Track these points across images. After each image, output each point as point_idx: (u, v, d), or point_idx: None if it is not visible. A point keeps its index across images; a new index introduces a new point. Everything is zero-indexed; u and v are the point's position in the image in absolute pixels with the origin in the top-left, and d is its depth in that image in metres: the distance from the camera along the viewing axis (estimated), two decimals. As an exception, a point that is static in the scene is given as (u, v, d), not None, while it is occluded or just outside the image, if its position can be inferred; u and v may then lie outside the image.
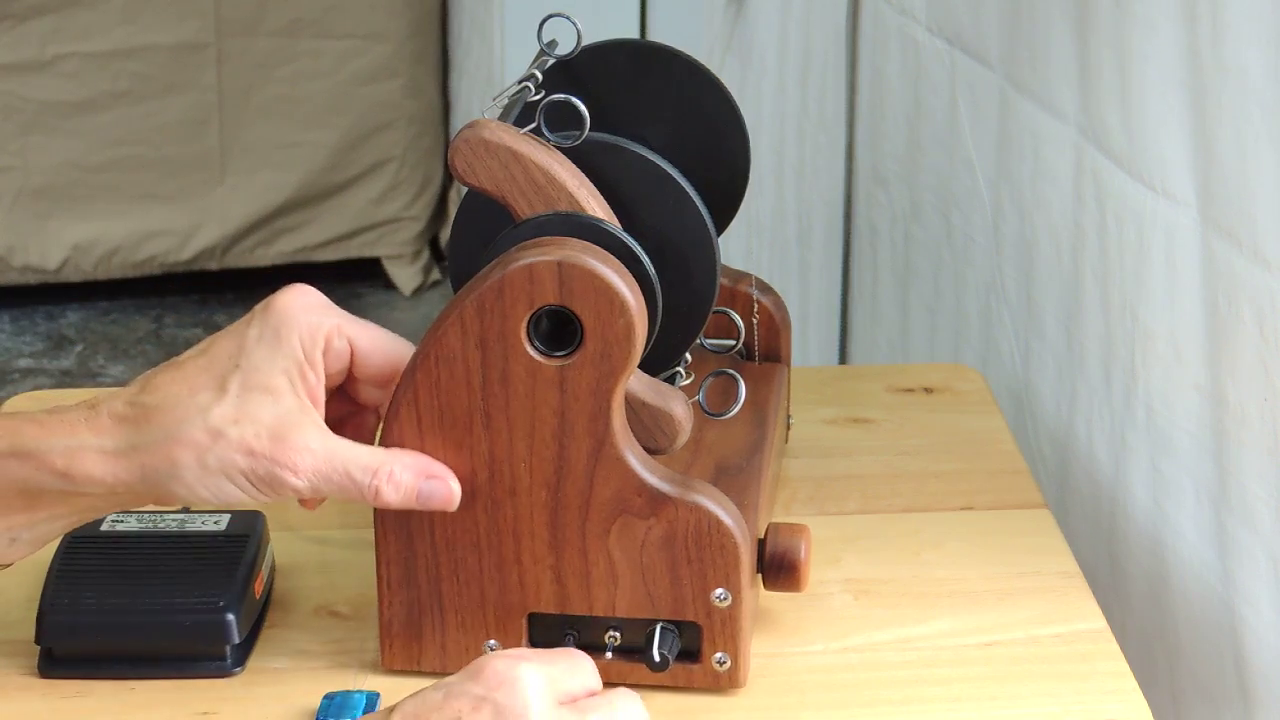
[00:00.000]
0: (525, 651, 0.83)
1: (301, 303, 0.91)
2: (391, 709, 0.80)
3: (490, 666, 0.80)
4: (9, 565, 0.95)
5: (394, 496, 0.91)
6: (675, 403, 0.95)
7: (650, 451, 0.94)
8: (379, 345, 0.94)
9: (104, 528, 1.06)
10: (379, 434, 0.96)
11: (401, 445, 0.93)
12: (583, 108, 0.94)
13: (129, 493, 0.91)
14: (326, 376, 0.92)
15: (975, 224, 1.49)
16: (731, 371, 1.01)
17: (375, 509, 0.95)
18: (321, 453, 0.89)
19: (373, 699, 0.95)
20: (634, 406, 0.94)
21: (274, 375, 0.89)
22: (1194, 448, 1.12)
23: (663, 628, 0.95)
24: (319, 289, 0.94)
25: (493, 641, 0.96)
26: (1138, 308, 1.17)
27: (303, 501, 0.94)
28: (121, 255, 3.29)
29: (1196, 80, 1.06)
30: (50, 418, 0.90)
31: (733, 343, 1.12)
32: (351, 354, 0.93)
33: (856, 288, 1.82)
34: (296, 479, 0.88)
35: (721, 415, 1.01)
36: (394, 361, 0.94)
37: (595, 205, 0.93)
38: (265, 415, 0.88)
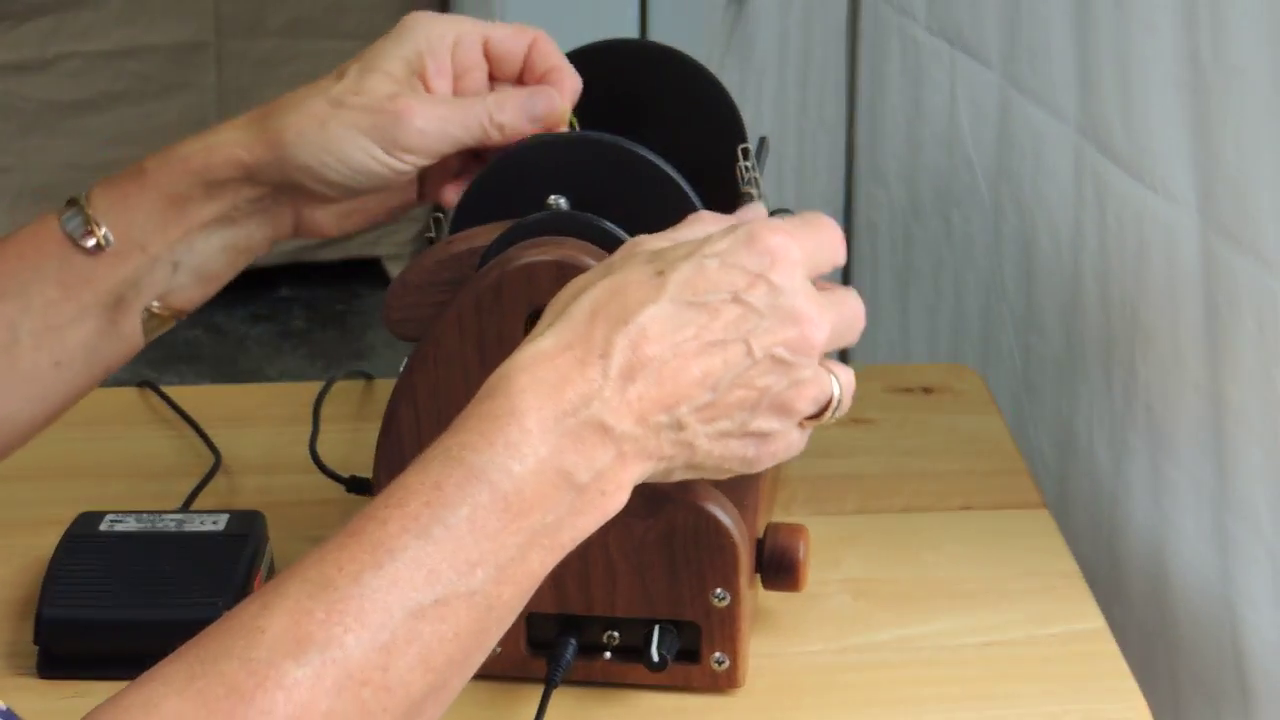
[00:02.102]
0: (782, 224, 0.83)
1: (433, 14, 0.98)
2: (661, 270, 0.80)
3: (763, 239, 0.80)
4: (181, 316, 0.99)
5: (506, 114, 0.95)
6: None
7: None
8: (516, 41, 0.99)
9: (103, 527, 1.06)
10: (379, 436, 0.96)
11: (400, 445, 0.93)
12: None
13: (263, 176, 0.95)
14: (462, 74, 0.98)
15: (975, 223, 1.49)
16: None
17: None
18: (436, 104, 0.95)
19: (371, 699, 0.94)
20: None
21: (392, 61, 0.96)
22: (1194, 448, 1.12)
23: (661, 627, 0.95)
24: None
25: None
26: (1137, 307, 1.17)
27: (430, 188, 1.00)
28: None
29: (1196, 80, 1.06)
30: (192, 136, 0.97)
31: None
32: (489, 57, 0.99)
33: (856, 287, 1.81)
34: (418, 122, 0.93)
35: None
36: (534, 57, 0.99)
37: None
38: (382, 89, 0.94)
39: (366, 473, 0.99)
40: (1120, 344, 1.21)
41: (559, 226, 0.92)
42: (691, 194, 0.96)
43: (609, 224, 0.92)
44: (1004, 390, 1.41)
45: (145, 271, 0.96)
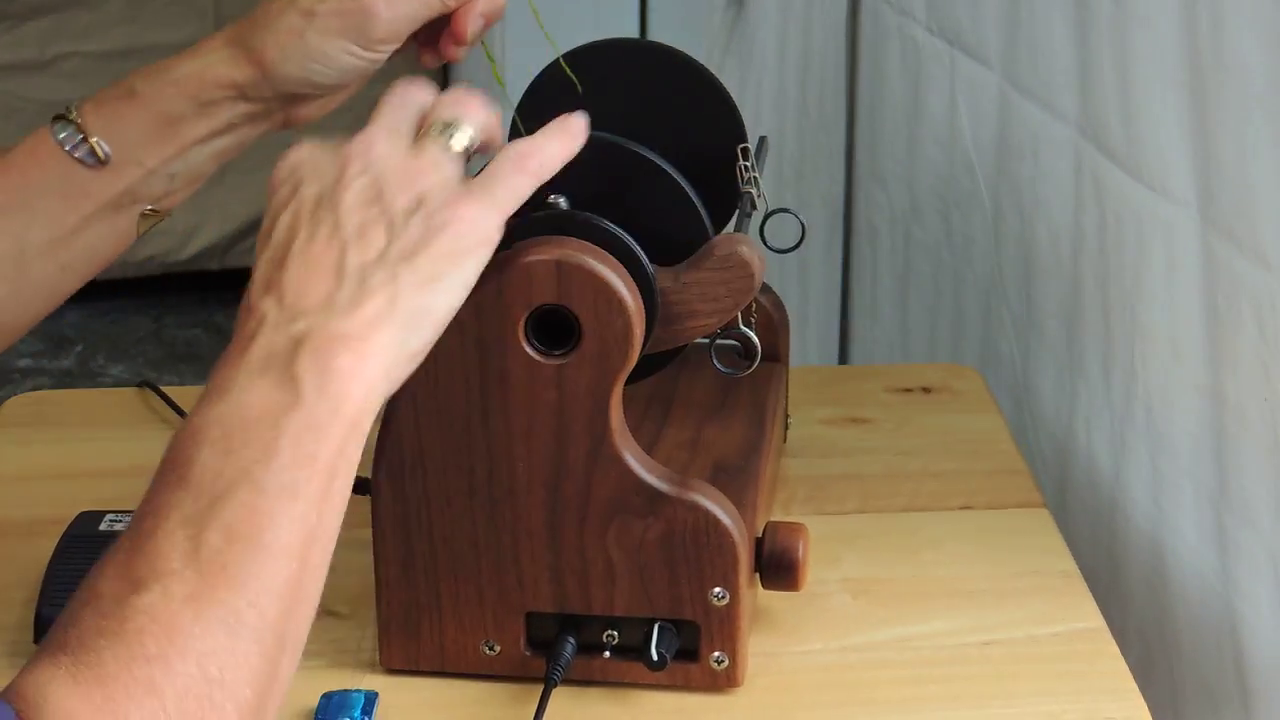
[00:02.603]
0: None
1: None
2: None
3: (280, 165, 0.83)
4: (169, 213, 1.05)
5: None
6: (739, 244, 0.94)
7: (734, 311, 0.94)
8: None
9: (102, 527, 1.06)
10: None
11: (400, 445, 0.93)
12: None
13: (255, 92, 1.01)
14: None
15: (975, 224, 1.49)
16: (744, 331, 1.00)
17: (373, 512, 0.95)
18: None
19: (371, 698, 0.95)
20: (703, 268, 0.93)
21: None
22: (1194, 448, 1.12)
23: (661, 627, 0.95)
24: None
25: (491, 641, 0.96)
26: (1138, 308, 1.17)
27: (421, 54, 1.04)
28: (121, 255, 3.28)
29: (1196, 80, 1.06)
30: (173, 56, 1.02)
31: (733, 342, 1.12)
32: None
33: (856, 288, 1.82)
34: (384, 13, 0.98)
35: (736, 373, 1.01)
36: None
37: None
38: None
39: (366, 473, 0.99)
40: (1120, 344, 1.21)
41: (559, 226, 0.92)
42: (691, 193, 0.96)
43: (609, 224, 0.92)
44: (1004, 390, 1.41)
45: (142, 183, 1.02)
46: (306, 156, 0.83)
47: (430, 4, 1.00)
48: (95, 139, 1.00)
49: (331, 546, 0.78)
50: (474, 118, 0.84)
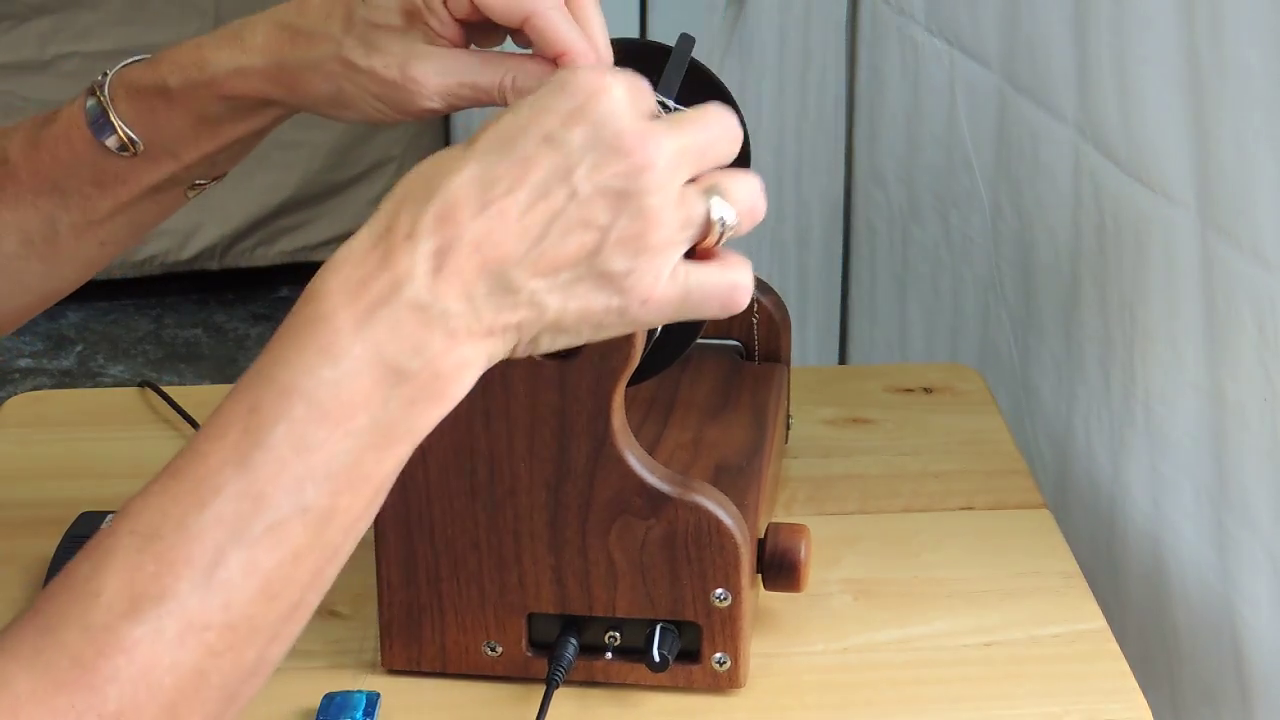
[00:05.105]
0: (603, 67, 0.79)
1: None
2: (472, 141, 0.74)
3: (575, 78, 0.74)
4: (220, 179, 1.01)
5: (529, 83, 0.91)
6: None
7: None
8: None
9: (104, 528, 1.06)
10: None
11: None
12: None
13: (289, 107, 0.95)
14: (453, 9, 0.91)
15: (974, 224, 1.49)
16: None
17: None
18: (446, 73, 0.91)
19: (373, 699, 0.95)
20: None
21: (393, 13, 0.91)
22: (1193, 448, 1.12)
23: (662, 628, 0.95)
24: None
25: (493, 642, 0.96)
26: (1136, 308, 1.17)
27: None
28: (121, 255, 3.28)
29: (1196, 80, 1.06)
30: (208, 42, 0.95)
31: (733, 342, 1.12)
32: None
33: (855, 287, 1.82)
34: (428, 100, 0.91)
35: None
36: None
37: None
38: (394, 48, 0.91)
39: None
40: (1119, 344, 1.21)
41: (560, 227, 0.92)
42: (692, 195, 0.96)
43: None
44: (1002, 391, 1.41)
45: (181, 171, 0.98)
46: (606, 109, 0.73)
47: (489, 91, 0.91)
48: (127, 132, 0.96)
49: (342, 561, 0.74)
50: (748, 216, 0.76)
